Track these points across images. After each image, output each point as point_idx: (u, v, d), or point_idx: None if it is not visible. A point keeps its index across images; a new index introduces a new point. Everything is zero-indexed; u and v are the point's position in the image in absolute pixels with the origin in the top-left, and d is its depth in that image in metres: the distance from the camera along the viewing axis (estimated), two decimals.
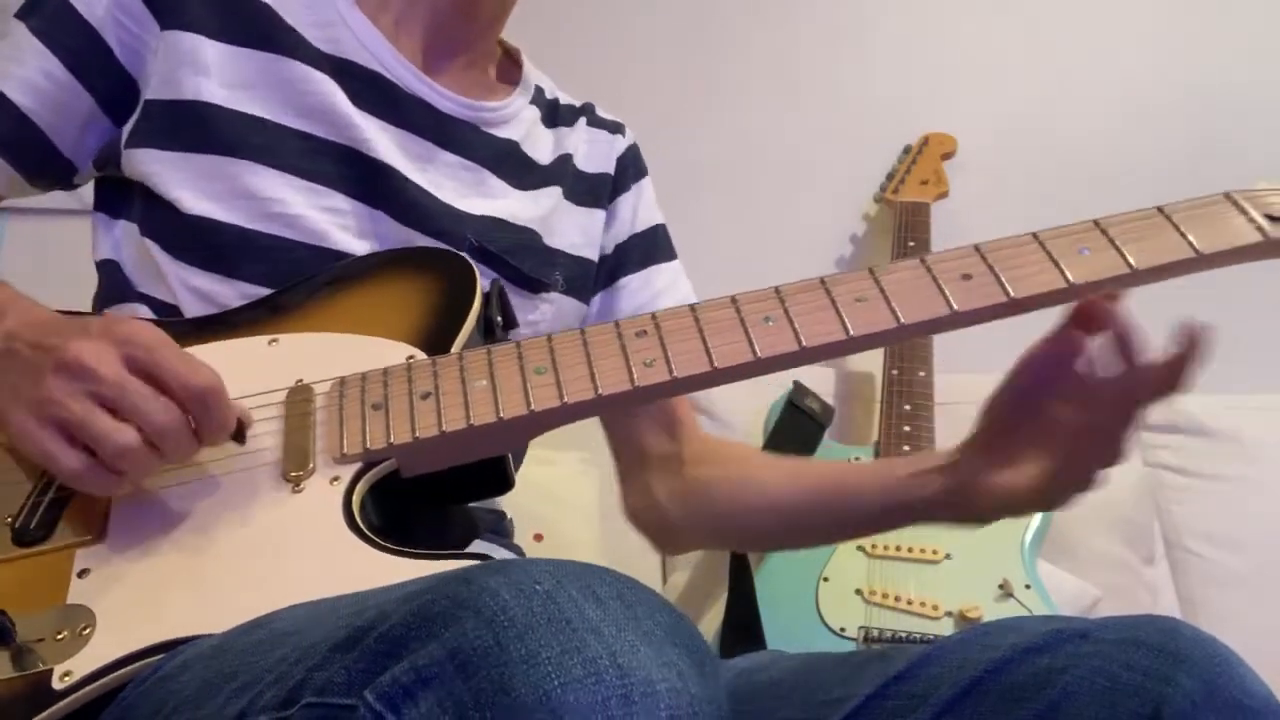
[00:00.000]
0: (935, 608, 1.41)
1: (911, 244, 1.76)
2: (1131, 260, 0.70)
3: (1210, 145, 1.97)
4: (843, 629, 1.39)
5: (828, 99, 1.98)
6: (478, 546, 0.87)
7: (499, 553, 0.90)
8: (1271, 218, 0.70)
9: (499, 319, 0.82)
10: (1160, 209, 0.72)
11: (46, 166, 0.86)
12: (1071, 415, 0.72)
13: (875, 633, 1.38)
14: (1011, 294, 0.70)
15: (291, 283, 0.83)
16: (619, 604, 0.47)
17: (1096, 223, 0.72)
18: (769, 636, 1.38)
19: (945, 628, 1.40)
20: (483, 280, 0.81)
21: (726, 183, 1.94)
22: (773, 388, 1.65)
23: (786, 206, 1.95)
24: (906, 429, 1.62)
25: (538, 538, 1.52)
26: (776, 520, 0.92)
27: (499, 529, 0.94)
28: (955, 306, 0.70)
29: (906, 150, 1.93)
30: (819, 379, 1.76)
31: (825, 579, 1.46)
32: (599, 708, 0.42)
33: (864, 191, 1.95)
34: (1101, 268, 0.70)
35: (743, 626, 1.41)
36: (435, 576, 0.50)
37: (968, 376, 1.80)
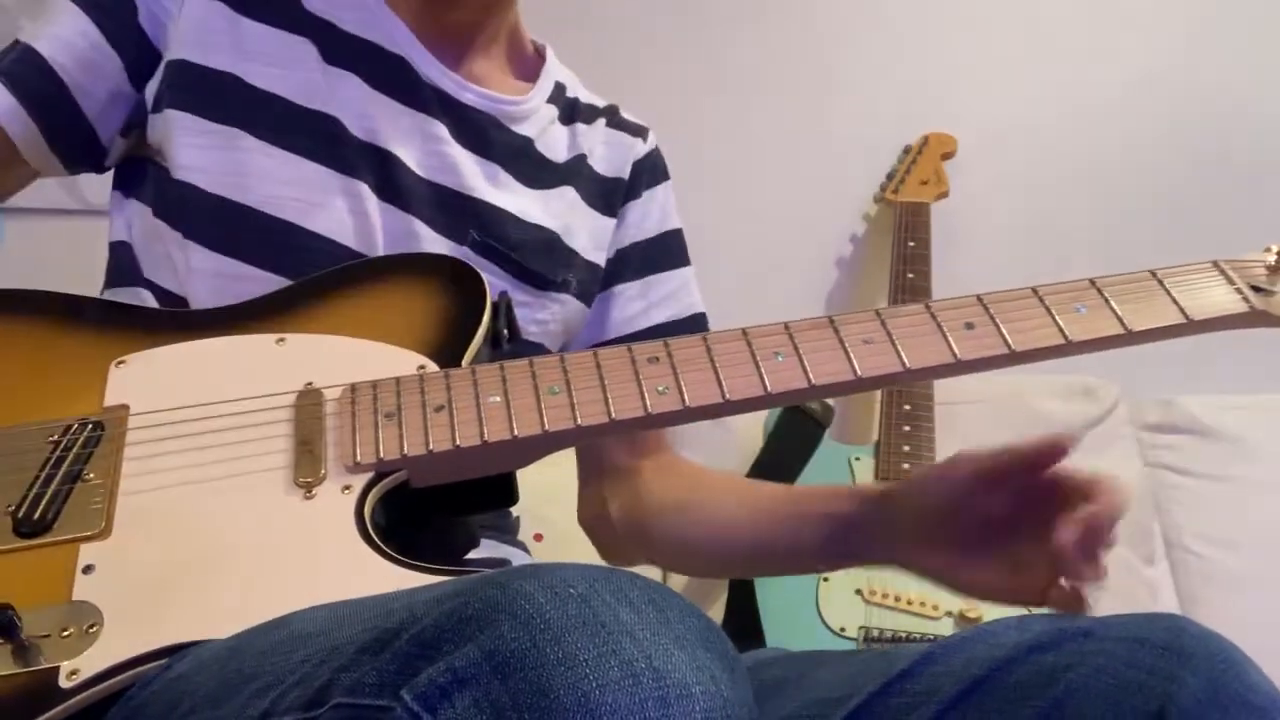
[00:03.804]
0: (935, 607, 1.41)
1: (911, 244, 1.76)
2: (1126, 322, 0.73)
3: (1209, 146, 1.97)
4: (843, 629, 1.39)
5: (828, 99, 1.98)
6: (483, 549, 0.87)
7: (502, 550, 0.90)
8: (1256, 288, 0.74)
9: (505, 332, 0.82)
10: (1153, 273, 0.75)
11: (71, 131, 0.86)
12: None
13: (875, 633, 1.38)
14: (1012, 346, 0.72)
15: (299, 280, 0.82)
16: (651, 608, 0.47)
17: (1092, 281, 0.75)
18: (769, 636, 1.38)
19: (945, 628, 1.40)
20: (491, 292, 0.81)
21: (726, 182, 1.94)
22: None
23: (786, 206, 1.95)
24: (906, 429, 1.62)
25: (538, 538, 1.52)
26: (714, 545, 0.91)
27: (502, 525, 0.94)
28: (959, 355, 0.72)
29: (906, 150, 1.93)
30: None
31: (825, 579, 1.46)
32: (636, 709, 0.43)
33: (864, 191, 1.95)
34: (1098, 327, 0.73)
35: (743, 626, 1.41)
36: (465, 580, 0.51)
37: (967, 377, 1.81)
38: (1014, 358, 0.73)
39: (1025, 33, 1.99)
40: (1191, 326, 0.73)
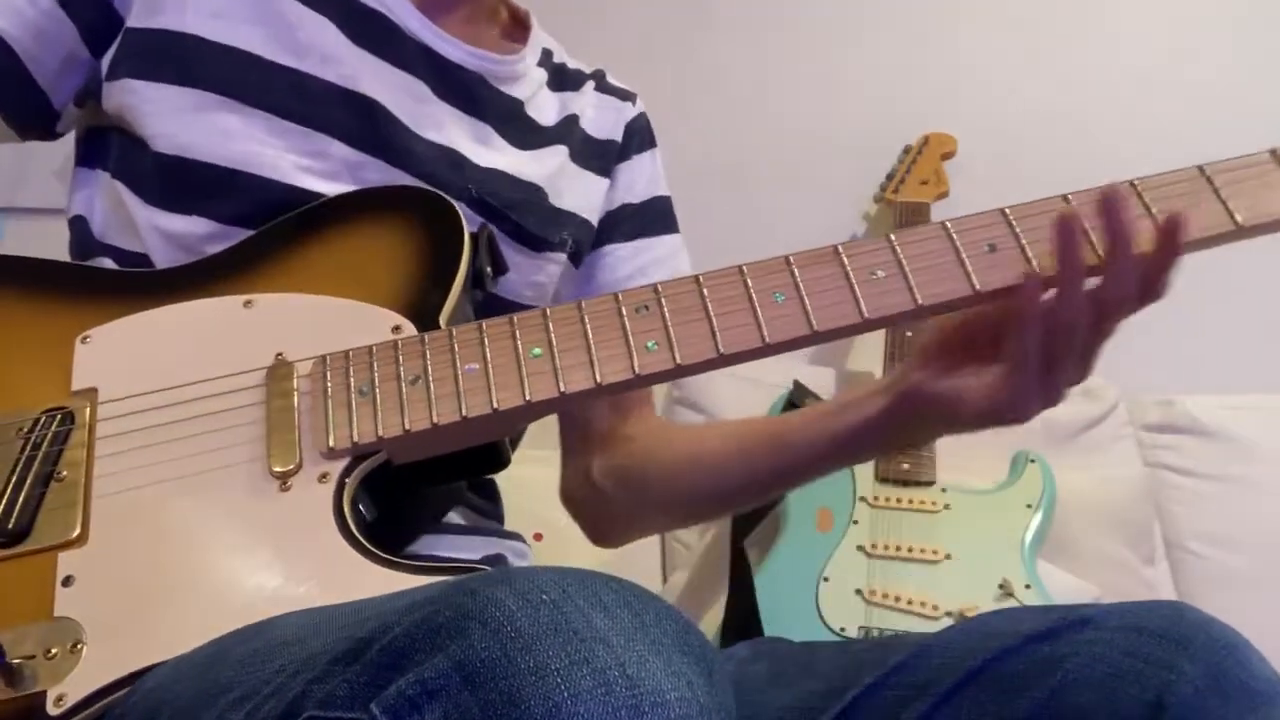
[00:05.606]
0: (935, 608, 1.41)
1: None
2: None
3: (1209, 146, 1.96)
4: (843, 629, 1.39)
5: (828, 98, 1.98)
6: (480, 547, 0.86)
7: (500, 547, 0.89)
8: None
9: (488, 268, 0.78)
10: (1201, 169, 0.67)
11: (22, 99, 0.83)
12: (1039, 337, 0.66)
13: (875, 633, 1.38)
14: (1038, 267, 0.66)
15: (263, 228, 0.78)
16: (626, 613, 0.46)
17: (1133, 184, 0.67)
18: (769, 636, 1.38)
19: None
20: (470, 226, 0.77)
21: (726, 182, 1.94)
22: (772, 387, 1.65)
23: (786, 206, 1.95)
24: None
25: (538, 537, 1.51)
26: (706, 478, 0.89)
27: (488, 528, 0.92)
28: (978, 286, 0.65)
29: (906, 150, 1.93)
30: (819, 377, 1.76)
31: (825, 579, 1.45)
32: (609, 718, 0.42)
33: (864, 191, 1.95)
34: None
35: (743, 626, 1.41)
36: (437, 586, 0.50)
37: None
38: (1043, 281, 0.65)
39: (1025, 33, 1.99)
40: (1242, 232, 0.65)
